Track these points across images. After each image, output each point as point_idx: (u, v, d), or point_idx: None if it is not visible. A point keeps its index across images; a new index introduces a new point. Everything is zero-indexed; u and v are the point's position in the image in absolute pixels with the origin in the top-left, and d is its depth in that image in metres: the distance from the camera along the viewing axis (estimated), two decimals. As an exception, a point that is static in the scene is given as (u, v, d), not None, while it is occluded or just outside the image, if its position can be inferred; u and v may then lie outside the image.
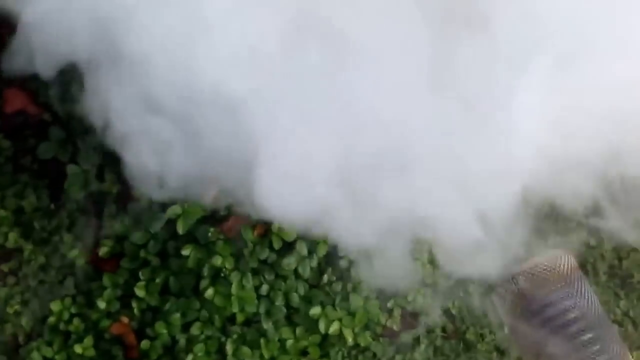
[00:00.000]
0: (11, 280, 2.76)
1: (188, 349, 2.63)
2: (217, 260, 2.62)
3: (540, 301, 2.20)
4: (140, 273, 2.67)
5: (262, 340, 2.68)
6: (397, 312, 2.89)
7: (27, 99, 2.93)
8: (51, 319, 2.67)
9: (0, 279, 2.77)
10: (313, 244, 2.75)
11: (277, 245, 2.67)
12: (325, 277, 2.81)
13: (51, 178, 2.85)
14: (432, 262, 2.94)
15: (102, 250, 2.70)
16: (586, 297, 2.21)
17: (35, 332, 2.71)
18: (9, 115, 2.93)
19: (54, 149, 2.76)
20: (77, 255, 2.73)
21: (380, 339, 2.88)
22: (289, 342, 2.71)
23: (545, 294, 2.20)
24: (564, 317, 2.18)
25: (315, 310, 2.71)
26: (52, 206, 2.80)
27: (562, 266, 2.24)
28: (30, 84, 2.91)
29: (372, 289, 2.84)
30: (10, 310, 2.70)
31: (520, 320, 2.25)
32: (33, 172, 2.86)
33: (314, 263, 2.76)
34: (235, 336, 2.67)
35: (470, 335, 2.92)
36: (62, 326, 2.66)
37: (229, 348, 2.65)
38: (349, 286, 2.81)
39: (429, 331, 2.91)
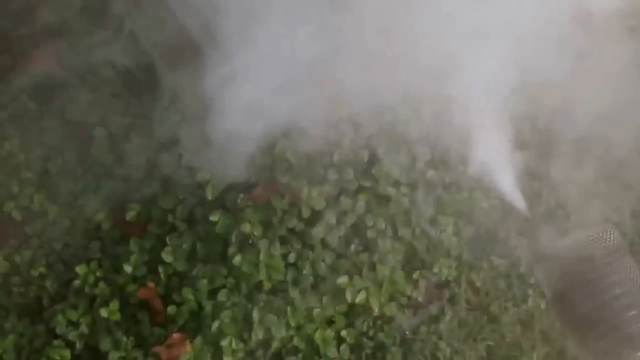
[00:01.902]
0: (36, 242, 2.57)
1: (214, 316, 2.43)
2: (246, 227, 2.41)
3: (585, 276, 2.00)
4: (167, 238, 2.45)
5: (288, 308, 2.46)
6: (422, 284, 2.67)
7: (55, 60, 2.68)
8: (76, 282, 2.47)
9: (24, 242, 2.54)
10: (341, 214, 2.50)
11: (306, 213, 2.47)
12: (352, 247, 2.58)
13: (78, 140, 2.60)
14: (458, 233, 2.72)
15: (130, 215, 2.48)
16: (631, 273, 2.02)
17: (60, 295, 2.51)
18: (35, 76, 2.68)
19: (83, 111, 2.51)
20: (103, 218, 2.52)
21: (405, 309, 2.66)
22: (316, 311, 2.51)
23: (590, 269, 2.00)
24: (609, 292, 1.98)
25: (342, 280, 2.51)
26: (79, 169, 2.55)
27: (607, 241, 2.03)
28: (58, 45, 2.66)
29: (398, 260, 2.61)
30: (34, 273, 2.51)
31: (564, 294, 2.05)
32: (59, 134, 2.61)
33: (342, 232, 2.52)
34: (261, 304, 2.47)
35: (494, 308, 2.71)
36: (87, 290, 2.48)
37: (255, 315, 2.44)
38: (376, 256, 2.59)
39: (454, 303, 2.68)
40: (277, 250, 2.47)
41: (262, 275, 2.42)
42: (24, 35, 2.73)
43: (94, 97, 2.56)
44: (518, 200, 2.39)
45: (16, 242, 2.55)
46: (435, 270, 2.68)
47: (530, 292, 2.76)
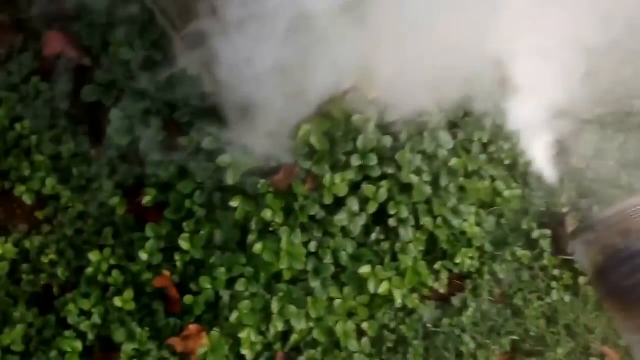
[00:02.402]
0: (46, 228, 2.42)
1: (232, 306, 2.30)
2: (267, 214, 2.27)
3: (627, 250, 1.88)
4: (184, 224, 2.30)
5: (309, 299, 2.32)
6: (444, 275, 2.54)
7: (67, 42, 2.55)
8: (89, 270, 2.33)
9: (34, 227, 2.41)
10: (363, 201, 2.37)
11: (328, 200, 2.33)
12: (374, 236, 2.44)
13: (92, 123, 2.47)
14: (480, 223, 2.59)
15: (145, 199, 2.33)
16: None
17: (71, 284, 2.37)
18: (48, 58, 2.55)
19: (98, 93, 2.38)
20: (117, 203, 2.38)
21: (427, 301, 2.52)
22: (337, 302, 2.39)
23: (631, 242, 1.88)
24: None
25: (365, 269, 2.37)
26: (93, 152, 2.42)
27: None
28: (72, 26, 2.52)
29: (419, 250, 2.48)
30: (45, 260, 2.36)
31: (605, 269, 1.93)
32: (72, 116, 2.48)
33: (363, 221, 2.39)
34: (281, 294, 2.33)
35: (517, 301, 2.59)
36: (100, 278, 2.33)
37: (274, 306, 2.31)
38: (397, 246, 2.46)
39: (476, 295, 2.55)
40: (298, 238, 2.33)
41: (283, 265, 2.28)
42: (36, 15, 2.60)
43: (109, 78, 2.41)
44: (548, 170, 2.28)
45: (26, 228, 2.42)
46: (458, 260, 2.55)
47: (554, 284, 2.64)
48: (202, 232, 2.32)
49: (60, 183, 2.40)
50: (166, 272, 2.32)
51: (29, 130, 2.44)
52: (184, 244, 2.31)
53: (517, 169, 2.72)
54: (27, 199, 2.37)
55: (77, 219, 2.39)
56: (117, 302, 2.29)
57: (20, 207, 2.43)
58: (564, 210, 2.72)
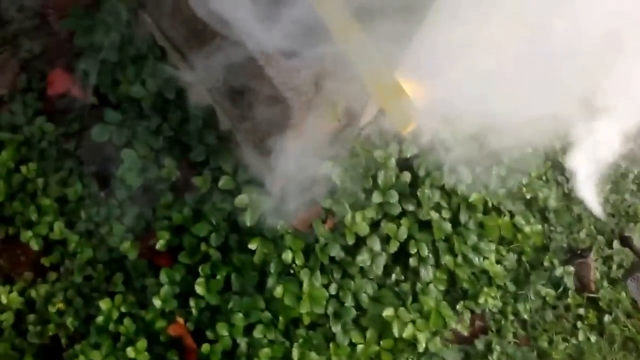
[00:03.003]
0: (53, 275, 2.27)
1: (251, 354, 2.14)
2: (287, 256, 2.14)
3: None
4: (199, 268, 2.16)
5: (331, 345, 2.17)
6: (466, 316, 2.41)
7: (73, 80, 2.42)
8: (99, 319, 2.17)
9: (40, 274, 2.24)
10: (384, 240, 2.24)
11: (350, 239, 2.18)
12: (394, 276, 2.31)
13: (100, 164, 2.32)
14: (501, 260, 2.47)
15: (159, 243, 2.16)
16: None
17: (80, 334, 2.21)
18: (53, 98, 2.41)
19: (109, 132, 2.23)
20: (128, 248, 2.23)
21: (450, 344, 2.38)
22: (360, 347, 2.23)
23: None
24: None
25: (388, 312, 2.25)
26: (101, 194, 2.27)
27: None
28: (78, 64, 2.39)
29: (440, 290, 2.34)
30: (52, 309, 2.20)
31: None
32: (79, 158, 2.33)
33: (384, 261, 2.26)
34: (301, 340, 2.17)
35: (543, 342, 2.47)
36: (111, 327, 2.17)
37: (295, 354, 2.18)
38: (418, 286, 2.33)
39: (500, 337, 2.41)
40: (319, 280, 2.19)
41: (304, 309, 2.14)
42: (40, 54, 2.47)
43: (119, 117, 2.28)
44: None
45: (31, 275, 2.25)
46: (480, 300, 2.42)
47: (579, 324, 2.51)
48: (218, 277, 2.17)
49: (68, 227, 2.25)
50: (181, 319, 2.17)
51: (35, 173, 2.29)
52: (199, 289, 2.16)
53: (537, 204, 2.61)
54: (34, 245, 2.21)
55: (85, 265, 2.23)
56: (130, 352, 2.11)
57: (25, 253, 2.27)
58: (586, 246, 2.62)
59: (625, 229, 2.68)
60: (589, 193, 2.41)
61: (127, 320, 2.17)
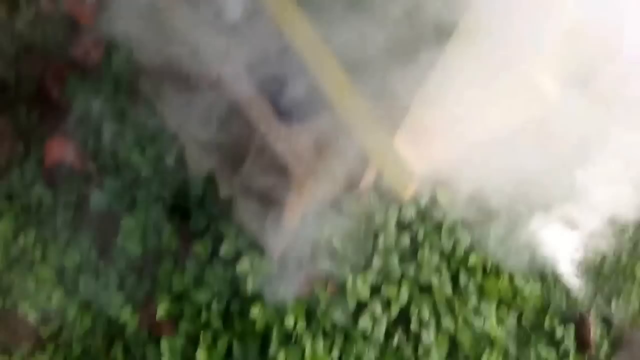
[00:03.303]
0: (51, 346, 2.27)
1: None
2: (290, 321, 2.17)
3: None
4: (201, 336, 2.17)
5: (336, 415, 2.20)
6: (469, 381, 2.43)
7: (71, 149, 2.49)
8: None
9: (38, 346, 2.25)
10: (385, 303, 2.30)
11: (351, 303, 2.23)
12: (395, 340, 2.35)
13: (99, 232, 2.37)
14: (501, 322, 2.52)
15: (159, 312, 2.19)
16: None
17: (80, 407, 2.18)
18: (51, 166, 2.47)
19: (108, 200, 2.28)
20: (128, 317, 2.24)
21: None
22: (363, 416, 2.23)
23: None
24: None
25: (394, 379, 2.25)
26: (100, 263, 2.30)
27: None
28: (75, 133, 2.46)
29: (441, 354, 2.39)
30: (50, 381, 2.17)
31: None
32: (77, 226, 2.37)
33: (385, 324, 2.31)
34: (305, 410, 2.18)
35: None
36: None
37: None
38: (420, 350, 2.36)
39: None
40: (321, 346, 2.23)
41: (307, 375, 2.17)
42: (38, 123, 2.55)
43: (119, 185, 2.34)
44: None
45: (29, 346, 2.27)
46: (481, 369, 2.46)
47: (582, 388, 2.56)
48: (219, 345, 2.20)
49: (67, 297, 2.28)
50: (182, 390, 2.19)
51: (33, 242, 2.34)
52: (201, 357, 2.18)
53: (535, 263, 2.69)
54: (32, 316, 2.24)
55: (84, 336, 2.26)
56: None
57: (23, 324, 2.29)
58: (585, 307, 2.68)
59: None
60: (566, 269, 2.53)
61: (127, 392, 2.20)
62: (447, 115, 1.91)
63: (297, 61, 1.96)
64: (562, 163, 2.16)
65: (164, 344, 2.19)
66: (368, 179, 2.35)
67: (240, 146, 2.12)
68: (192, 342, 2.23)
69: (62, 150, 2.54)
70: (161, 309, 2.24)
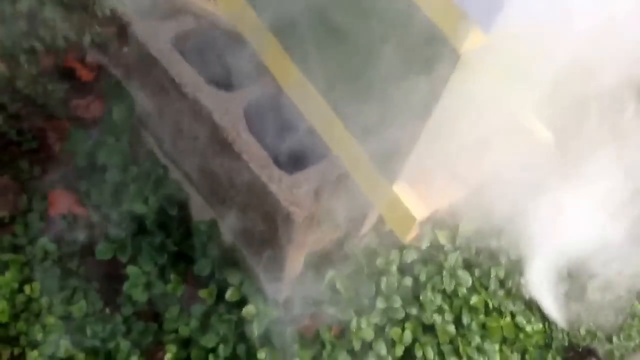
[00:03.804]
0: (60, 395, 2.35)
1: None
2: (296, 364, 2.28)
3: None
4: (209, 381, 2.29)
5: None
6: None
7: (74, 200, 2.64)
8: None
9: (47, 395, 2.35)
10: (389, 344, 2.43)
11: (357, 345, 2.37)
12: (401, 382, 2.48)
13: (104, 281, 2.50)
14: (506, 362, 2.66)
15: (166, 357, 2.32)
16: None
17: None
18: (55, 218, 2.62)
19: (113, 250, 2.43)
20: (136, 363, 2.34)
21: None
22: None
23: None
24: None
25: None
26: (107, 310, 2.43)
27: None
28: (78, 185, 2.62)
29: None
30: None
31: None
32: (82, 275, 2.51)
33: (389, 366, 2.44)
34: None
35: None
36: None
37: None
38: (425, 392, 2.48)
39: None
40: (328, 388, 2.36)
41: (315, 418, 2.29)
42: (40, 176, 2.70)
43: (123, 235, 2.49)
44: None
45: (38, 397, 2.38)
46: (488, 406, 2.59)
47: None
48: (227, 389, 2.33)
49: (74, 345, 2.40)
50: None
51: (39, 292, 2.45)
52: (209, 403, 2.31)
53: (536, 303, 2.83)
54: (40, 365, 2.36)
55: (93, 383, 2.38)
56: None
57: (30, 373, 2.41)
58: (587, 343, 2.82)
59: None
60: (547, 301, 2.65)
61: None
62: (445, 157, 2.07)
63: (293, 109, 2.14)
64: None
65: (173, 390, 2.31)
66: (369, 223, 2.50)
67: (241, 194, 2.27)
68: (200, 387, 2.36)
69: (66, 202, 2.69)
70: (168, 354, 2.36)
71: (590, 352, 2.79)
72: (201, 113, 2.18)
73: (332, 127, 2.02)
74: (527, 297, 2.79)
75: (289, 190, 2.12)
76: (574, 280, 2.96)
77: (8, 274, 2.46)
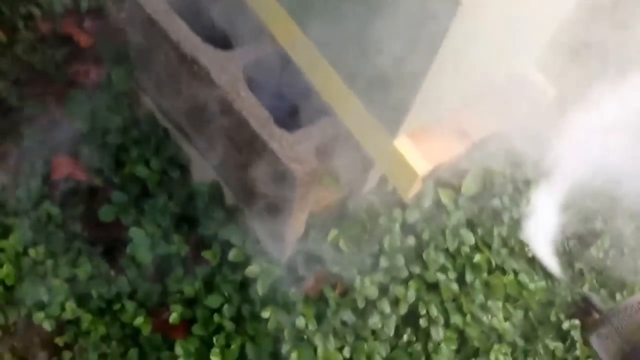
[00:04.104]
0: (67, 355, 2.44)
1: (270, 423, 2.28)
2: (300, 322, 2.32)
3: None
4: (214, 339, 2.34)
5: (349, 410, 2.35)
6: (478, 375, 2.60)
7: (76, 165, 2.65)
8: None
9: (55, 354, 2.41)
10: (393, 302, 2.46)
11: (361, 304, 2.38)
12: (405, 337, 2.52)
13: (108, 243, 2.53)
14: (509, 318, 2.69)
15: (172, 317, 2.35)
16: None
17: (99, 412, 2.33)
18: (57, 183, 2.64)
19: (116, 212, 2.46)
20: (141, 323, 2.41)
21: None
22: (376, 410, 2.38)
23: None
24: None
25: (403, 374, 2.40)
26: (112, 272, 2.47)
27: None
28: (80, 150, 2.63)
29: (451, 349, 2.55)
30: (68, 389, 2.32)
31: None
32: (86, 238, 2.54)
33: (394, 322, 2.47)
34: (319, 406, 2.33)
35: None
36: None
37: None
38: (430, 346, 2.52)
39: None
40: (332, 344, 2.39)
41: (320, 373, 2.33)
42: (42, 140, 2.72)
43: (125, 198, 2.51)
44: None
45: (46, 356, 2.42)
46: (491, 358, 2.62)
47: (590, 376, 2.72)
48: (233, 346, 2.36)
49: (80, 306, 2.44)
50: (198, 392, 2.34)
51: (44, 255, 2.49)
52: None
53: (539, 261, 2.86)
54: (47, 326, 2.39)
55: (99, 343, 2.40)
56: None
57: (38, 334, 2.45)
58: (588, 300, 2.85)
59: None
60: (546, 255, 2.67)
61: (144, 396, 2.35)
62: (446, 111, 2.08)
63: (293, 67, 2.15)
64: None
65: (178, 347, 2.34)
66: (372, 182, 2.52)
67: (242, 154, 2.28)
68: (206, 345, 2.39)
69: (68, 167, 2.71)
70: (174, 314, 2.40)
71: (592, 308, 2.82)
72: (200, 73, 2.19)
73: (332, 84, 2.03)
74: (529, 255, 2.83)
75: (290, 148, 2.13)
76: (579, 239, 3.00)
77: (12, 238, 2.49)
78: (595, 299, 2.88)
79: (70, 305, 2.43)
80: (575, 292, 2.88)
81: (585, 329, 2.80)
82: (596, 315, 2.81)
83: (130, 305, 2.44)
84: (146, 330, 2.41)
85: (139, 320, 2.40)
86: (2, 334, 2.40)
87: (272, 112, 2.21)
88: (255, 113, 2.16)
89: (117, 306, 2.44)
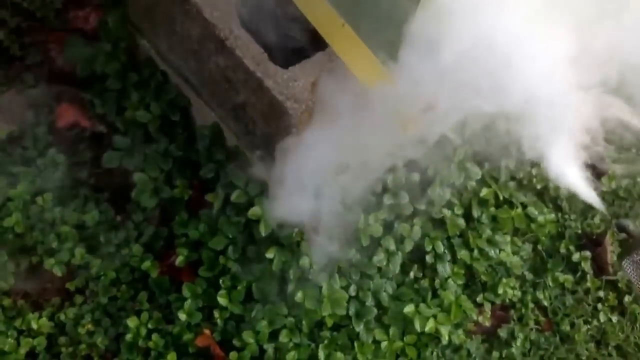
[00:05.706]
0: (79, 299, 2.57)
1: (279, 358, 2.40)
2: (305, 261, 2.40)
3: None
4: (220, 281, 2.44)
5: (355, 344, 2.44)
6: (487, 307, 2.69)
7: (80, 111, 2.72)
8: (128, 337, 2.47)
9: (67, 299, 2.53)
10: (398, 240, 2.52)
11: (365, 241, 2.45)
12: (412, 274, 2.59)
13: (114, 189, 2.61)
14: (517, 252, 2.73)
15: (178, 260, 2.45)
16: None
17: (111, 352, 2.51)
18: (62, 130, 2.71)
19: (119, 158, 2.54)
20: (149, 266, 2.55)
21: (473, 336, 2.64)
22: (384, 344, 2.51)
23: None
24: None
25: (409, 309, 2.53)
26: (118, 218, 2.56)
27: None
28: (83, 97, 2.69)
29: (458, 284, 2.61)
30: (81, 330, 2.50)
31: None
32: (93, 185, 2.62)
33: (400, 260, 2.53)
34: (326, 341, 2.45)
35: (565, 326, 2.74)
36: (140, 343, 2.48)
37: (321, 355, 2.48)
38: (437, 282, 2.60)
39: (522, 325, 2.68)
40: (337, 282, 2.47)
41: (326, 311, 2.43)
42: (46, 89, 2.78)
43: (128, 143, 2.58)
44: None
45: (58, 300, 2.56)
46: (499, 291, 2.69)
47: (600, 306, 2.78)
48: (239, 287, 2.46)
49: (89, 252, 2.55)
50: (207, 331, 2.45)
51: (51, 203, 2.59)
52: (222, 301, 2.45)
53: (548, 193, 2.89)
54: (57, 271, 2.51)
55: (109, 287, 2.54)
56: (161, 366, 2.41)
57: (50, 280, 2.57)
58: (601, 230, 2.88)
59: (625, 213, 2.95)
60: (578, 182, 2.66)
61: (155, 336, 2.47)
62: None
63: (288, 3, 2.15)
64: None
65: (185, 290, 2.46)
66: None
67: (239, 93, 2.32)
68: (213, 286, 2.50)
69: (72, 114, 2.79)
70: (180, 257, 2.50)
71: (626, 233, 2.85)
72: (192, 11, 2.22)
73: (328, 18, 2.04)
74: (538, 187, 2.85)
75: (285, 85, 2.16)
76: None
77: (20, 186, 2.59)
78: (628, 223, 2.90)
79: (80, 250, 2.54)
80: (590, 229, 2.91)
81: (597, 261, 2.85)
82: (630, 240, 2.84)
83: (137, 249, 2.55)
84: (154, 274, 2.53)
85: (146, 264, 2.52)
86: (15, 281, 2.51)
87: (267, 48, 2.24)
88: (249, 50, 2.20)
89: (125, 251, 2.55)
